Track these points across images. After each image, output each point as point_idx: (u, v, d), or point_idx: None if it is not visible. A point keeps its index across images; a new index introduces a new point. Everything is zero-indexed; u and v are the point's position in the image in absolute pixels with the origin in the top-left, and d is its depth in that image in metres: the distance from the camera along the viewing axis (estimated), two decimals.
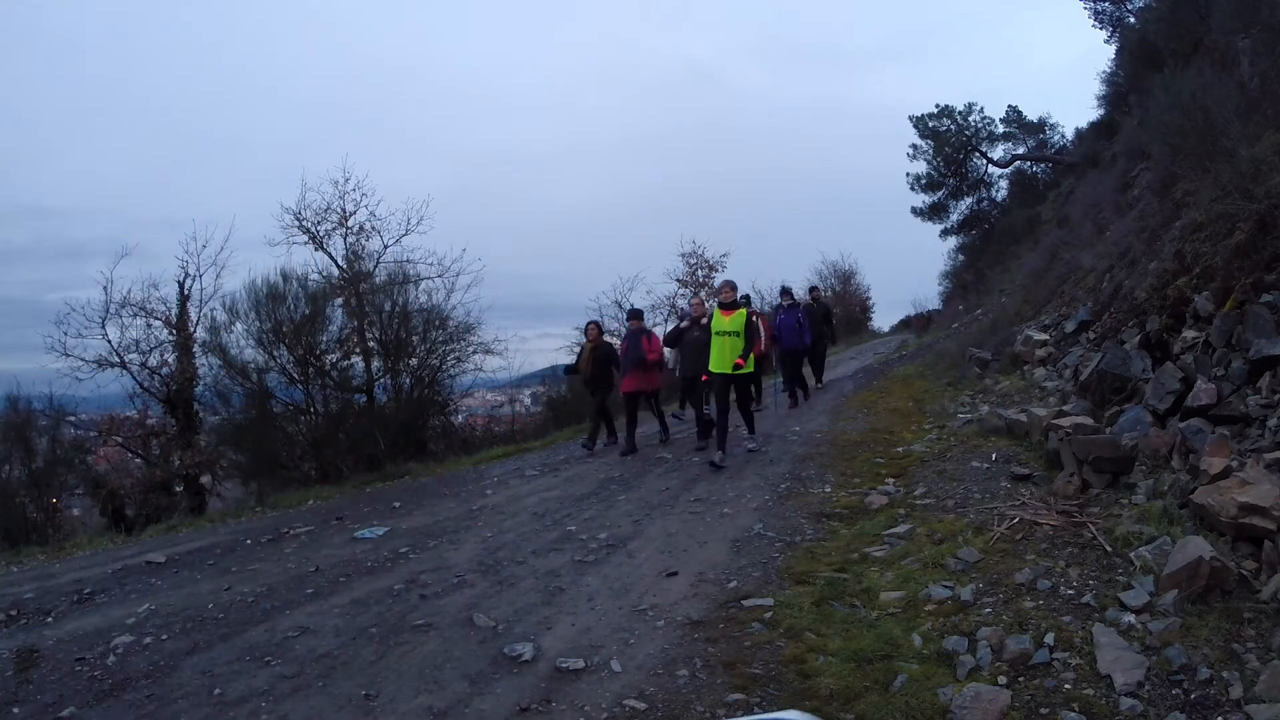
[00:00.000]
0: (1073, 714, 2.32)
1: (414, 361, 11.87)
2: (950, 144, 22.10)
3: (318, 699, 2.85)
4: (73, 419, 11.74)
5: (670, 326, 9.80)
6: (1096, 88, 17.47)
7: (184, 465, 10.73)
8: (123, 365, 10.90)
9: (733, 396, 6.70)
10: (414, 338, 11.82)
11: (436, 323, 11.95)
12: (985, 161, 22.50)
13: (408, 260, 12.18)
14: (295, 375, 11.01)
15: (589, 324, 8.27)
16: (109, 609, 4.14)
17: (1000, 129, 22.22)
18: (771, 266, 54.68)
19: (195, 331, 11.28)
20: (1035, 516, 3.79)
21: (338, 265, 12.04)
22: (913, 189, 23.19)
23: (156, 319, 11.09)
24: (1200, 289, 5.09)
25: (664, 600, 3.55)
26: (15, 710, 2.94)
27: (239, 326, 10.95)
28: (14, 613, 4.16)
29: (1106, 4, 15.92)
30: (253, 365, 10.91)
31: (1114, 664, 2.49)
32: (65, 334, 10.54)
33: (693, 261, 17.90)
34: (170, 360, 11.16)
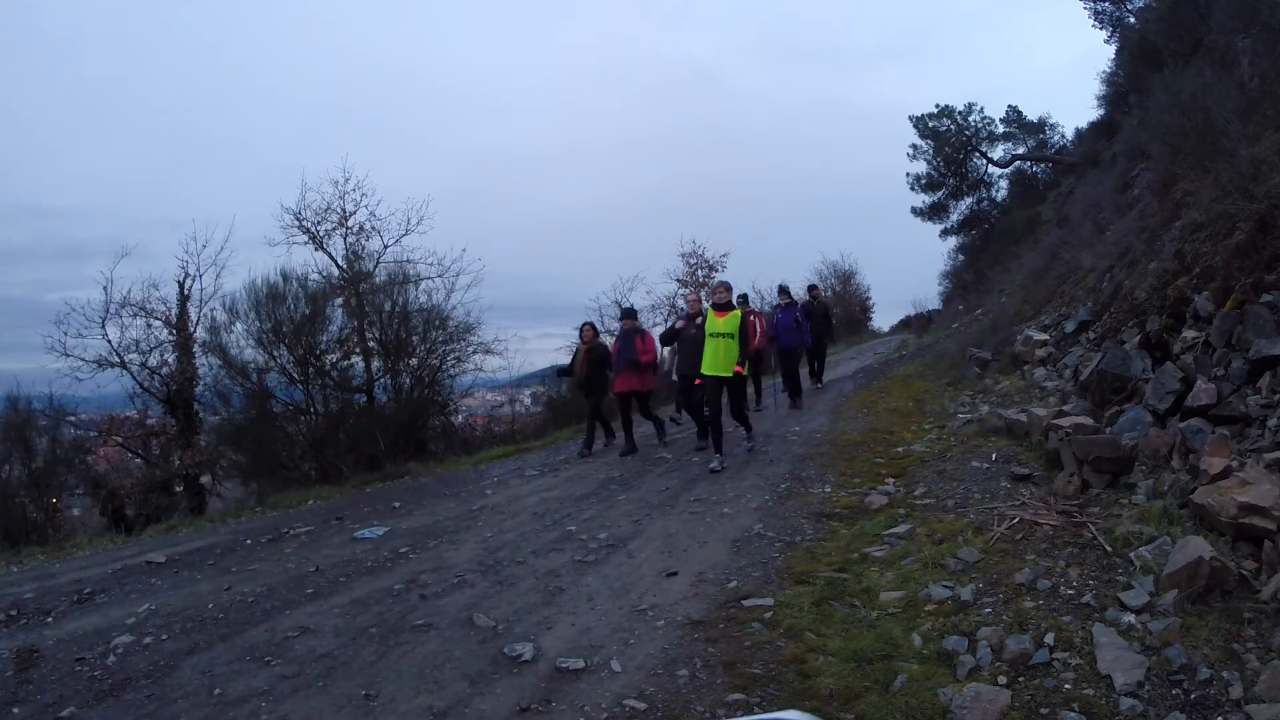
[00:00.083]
0: (1073, 714, 2.32)
1: (414, 361, 11.86)
2: (950, 144, 22.10)
3: (318, 699, 2.85)
4: (73, 419, 11.74)
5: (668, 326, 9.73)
6: (1096, 88, 17.49)
7: (184, 465, 10.73)
8: (123, 365, 10.90)
9: (726, 399, 6.61)
10: (414, 338, 11.82)
11: (436, 323, 11.95)
12: (985, 161, 22.51)
13: (408, 260, 12.19)
14: (295, 375, 11.01)
15: (584, 325, 8.15)
16: (109, 609, 4.14)
17: (1000, 129, 22.25)
18: (771, 266, 54.67)
19: (195, 331, 11.28)
20: (1035, 516, 3.79)
21: (338, 265, 12.04)
22: (913, 189, 23.22)
23: (156, 319, 11.09)
24: (1200, 289, 5.09)
25: (664, 600, 3.55)
26: (15, 710, 2.94)
27: (239, 326, 10.95)
28: (14, 613, 4.16)
29: (1106, 4, 15.93)
30: (253, 365, 10.91)
31: (1114, 664, 2.49)
32: (65, 334, 10.55)
33: (693, 261, 17.91)
34: (170, 360, 11.16)
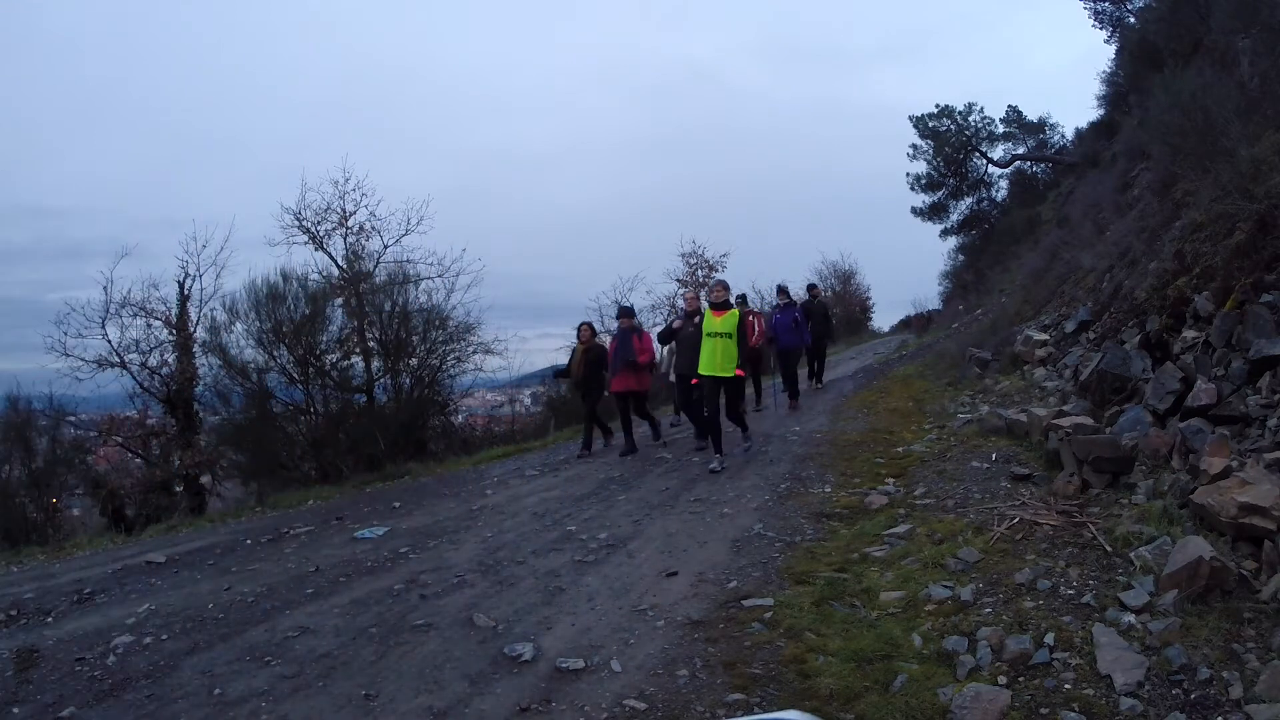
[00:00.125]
0: (1073, 714, 2.32)
1: (414, 361, 11.87)
2: (950, 144, 22.11)
3: (318, 699, 2.85)
4: (73, 419, 11.75)
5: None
6: (1096, 88, 17.50)
7: (184, 465, 10.74)
8: (123, 365, 10.91)
9: (722, 400, 6.49)
10: (414, 338, 11.83)
11: (436, 323, 11.96)
12: (985, 161, 22.52)
13: (408, 260, 12.21)
14: (295, 375, 11.02)
15: (581, 325, 8.07)
16: (109, 609, 4.14)
17: (1000, 129, 22.26)
18: (771, 266, 54.70)
19: (195, 331, 11.29)
20: (1035, 516, 3.79)
21: (338, 265, 12.06)
22: (913, 189, 23.23)
23: (156, 319, 11.11)
24: (1200, 289, 5.09)
25: (664, 600, 3.55)
26: (15, 710, 2.94)
27: (239, 326, 10.97)
28: (14, 613, 4.16)
29: (1106, 4, 15.93)
30: (253, 365, 10.92)
31: (1114, 664, 2.49)
32: (65, 334, 10.57)
33: (693, 261, 17.94)
34: (170, 360, 11.17)
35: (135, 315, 10.94)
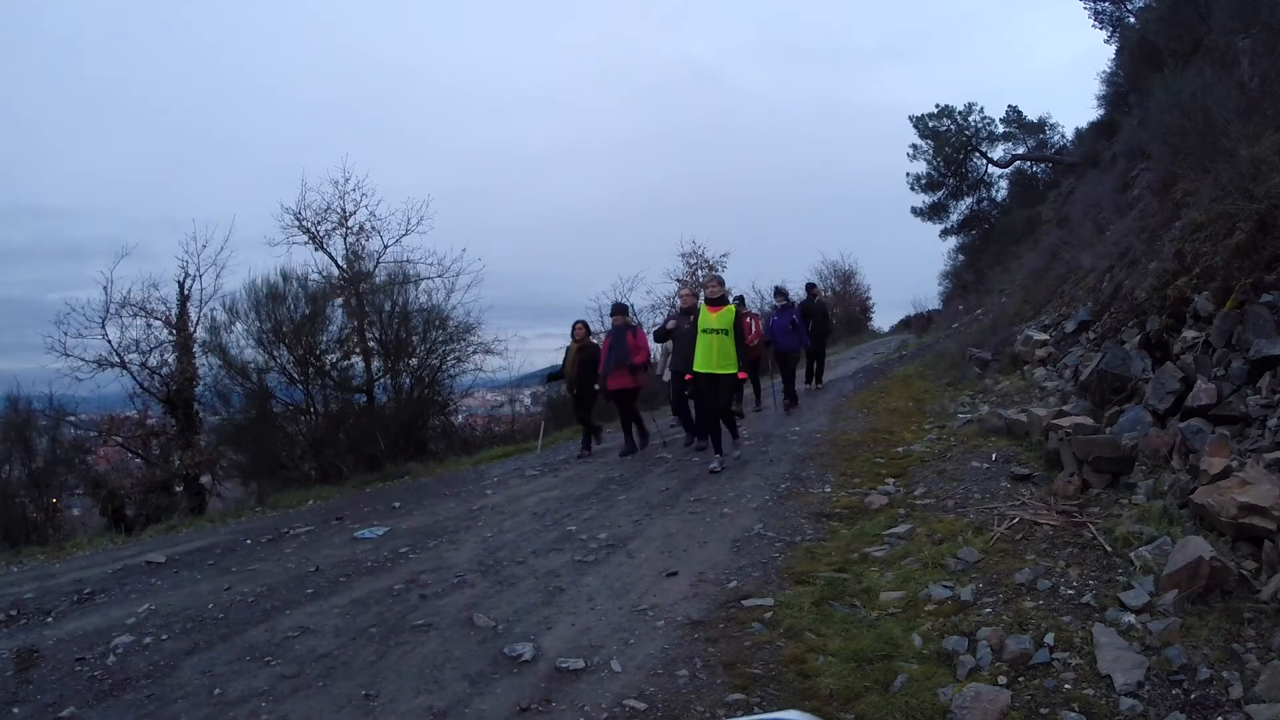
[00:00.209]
0: (1073, 714, 2.32)
1: (414, 361, 11.89)
2: (950, 144, 22.11)
3: (318, 699, 2.85)
4: (73, 419, 11.76)
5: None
6: (1096, 88, 17.51)
7: (184, 465, 10.75)
8: (123, 365, 10.92)
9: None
10: (414, 338, 11.84)
11: (436, 323, 11.98)
12: (985, 161, 22.52)
13: (408, 260, 12.24)
14: (295, 375, 11.03)
15: (576, 323, 7.89)
16: (109, 609, 4.14)
17: (1000, 129, 22.27)
18: (771, 266, 54.74)
19: (195, 331, 11.31)
20: (1035, 516, 3.79)
21: (338, 265, 12.07)
22: (913, 189, 23.24)
23: (156, 319, 11.13)
24: (1200, 289, 5.09)
25: (664, 600, 3.55)
26: (15, 710, 2.94)
27: (239, 326, 10.99)
28: (14, 613, 4.16)
29: (1106, 4, 15.94)
30: (253, 365, 10.94)
31: (1114, 664, 2.49)
32: (65, 334, 10.60)
33: (693, 261, 17.95)
34: (170, 360, 11.19)
35: (135, 315, 10.98)
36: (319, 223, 11.95)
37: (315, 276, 11.67)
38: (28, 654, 3.47)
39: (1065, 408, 5.38)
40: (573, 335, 7.86)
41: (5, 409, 11.74)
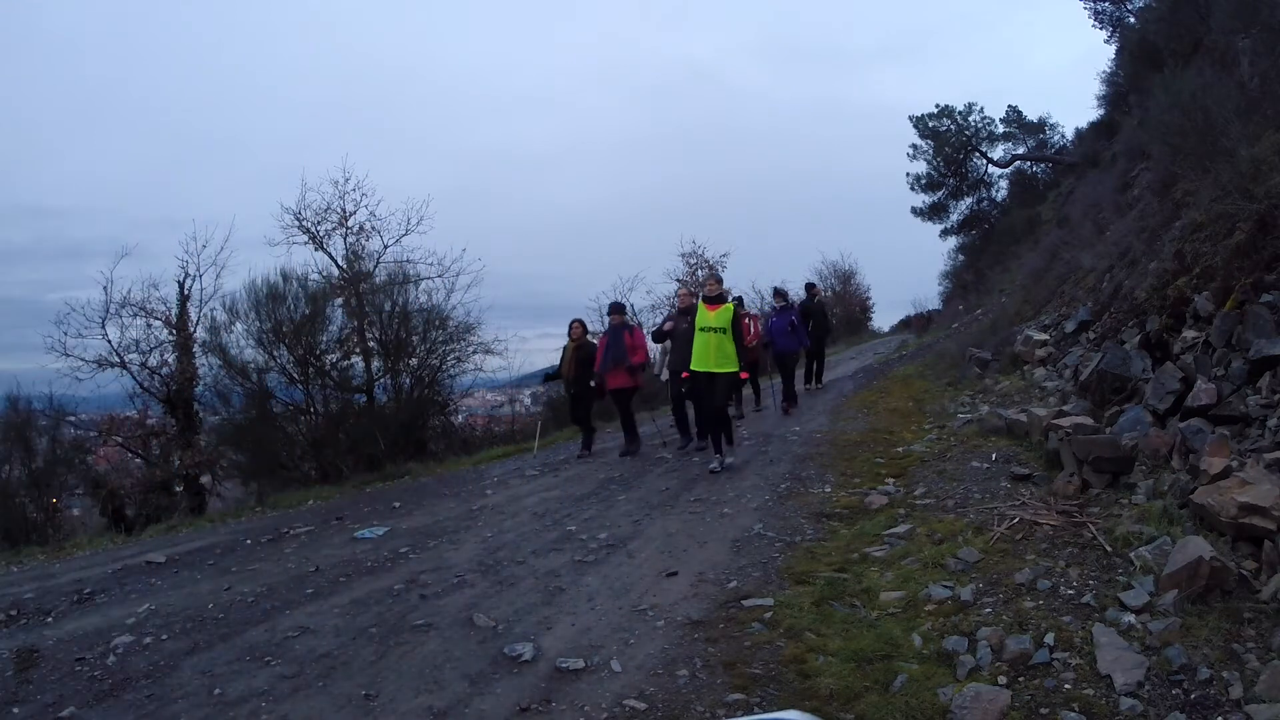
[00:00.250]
0: (1073, 714, 2.32)
1: (414, 361, 11.89)
2: (950, 144, 22.12)
3: (318, 699, 2.85)
4: (73, 419, 11.76)
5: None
6: (1096, 88, 17.51)
7: (184, 465, 10.75)
8: (123, 365, 10.92)
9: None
10: (414, 338, 11.84)
11: (436, 323, 11.98)
12: (985, 161, 22.53)
13: (408, 260, 12.23)
14: (295, 375, 11.03)
15: (573, 322, 7.81)
16: (109, 609, 4.14)
17: (1000, 129, 22.27)
18: (771, 266, 54.76)
19: (195, 331, 11.31)
20: (1035, 516, 3.79)
21: (338, 265, 12.07)
22: (913, 189, 23.24)
23: (156, 319, 11.12)
24: (1200, 289, 5.09)
25: (664, 600, 3.55)
26: (15, 710, 2.94)
27: (239, 326, 10.99)
28: (14, 613, 4.16)
29: (1106, 4, 15.94)
30: (253, 365, 10.94)
31: (1114, 664, 2.49)
32: (65, 334, 10.59)
33: (693, 261, 17.96)
34: (170, 360, 11.19)
35: (135, 315, 10.98)
36: (319, 223, 11.96)
37: (315, 276, 11.68)
38: (28, 654, 3.47)
39: (1065, 408, 5.38)
40: (570, 334, 7.79)
41: (5, 409, 11.75)
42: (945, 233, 23.61)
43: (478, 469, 8.43)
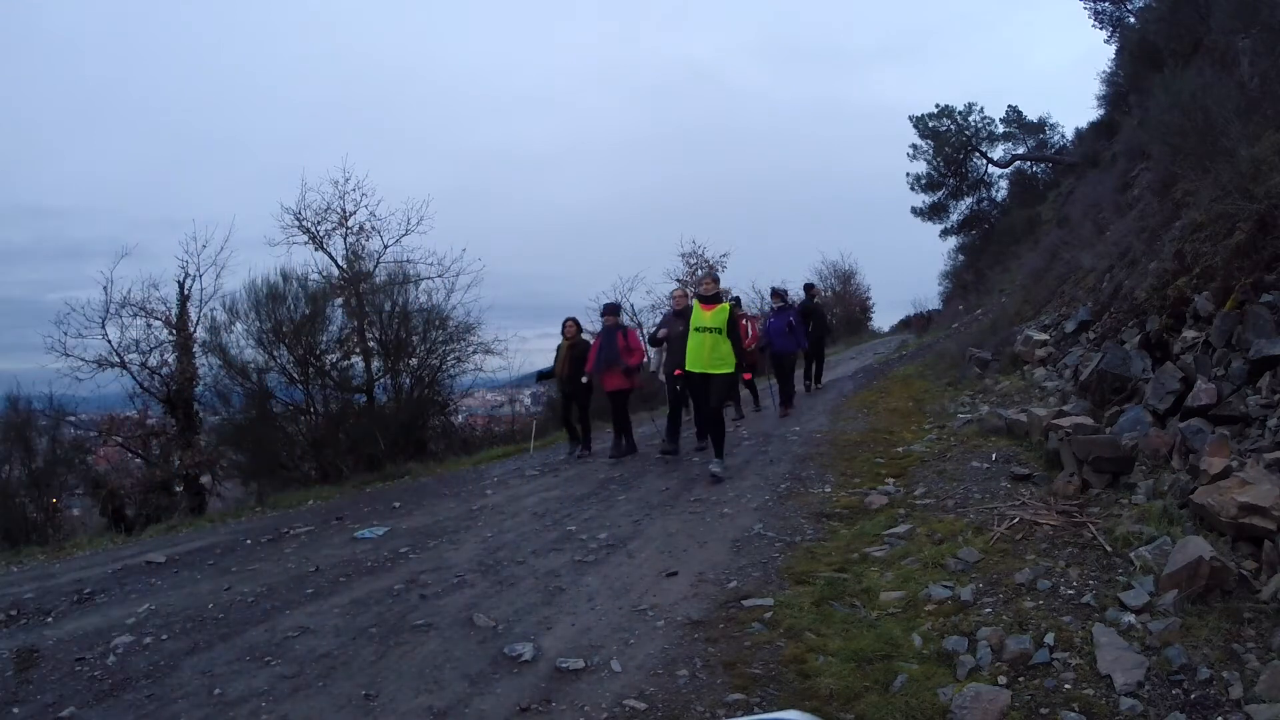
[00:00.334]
0: (1073, 714, 2.32)
1: (414, 361, 11.89)
2: (950, 144, 22.12)
3: (318, 699, 2.85)
4: (73, 419, 11.77)
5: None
6: (1096, 88, 17.51)
7: (184, 465, 10.75)
8: (123, 365, 10.92)
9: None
10: (414, 338, 11.84)
11: (436, 323, 11.98)
12: (985, 161, 22.53)
13: (408, 260, 12.23)
14: (295, 375, 11.03)
15: (566, 320, 7.75)
16: (109, 609, 4.14)
17: (1000, 129, 22.28)
18: (771, 266, 54.73)
19: (195, 331, 11.31)
20: (1035, 516, 3.79)
21: (338, 265, 12.07)
22: (913, 189, 23.25)
23: (156, 319, 11.12)
24: (1200, 289, 5.09)
25: (664, 600, 3.55)
26: (15, 710, 2.94)
27: (239, 326, 10.99)
28: (14, 613, 4.17)
29: (1106, 4, 15.94)
30: (253, 365, 10.94)
31: (1114, 664, 2.49)
32: (65, 334, 10.59)
33: (693, 261, 17.98)
34: (170, 360, 11.18)
35: (135, 315, 10.98)
36: (319, 223, 11.96)
37: (315, 276, 11.68)
38: (28, 654, 3.47)
39: (1065, 408, 5.38)
40: (564, 333, 7.72)
41: (5, 409, 11.76)
42: (945, 233, 23.64)
43: (478, 469, 8.43)
